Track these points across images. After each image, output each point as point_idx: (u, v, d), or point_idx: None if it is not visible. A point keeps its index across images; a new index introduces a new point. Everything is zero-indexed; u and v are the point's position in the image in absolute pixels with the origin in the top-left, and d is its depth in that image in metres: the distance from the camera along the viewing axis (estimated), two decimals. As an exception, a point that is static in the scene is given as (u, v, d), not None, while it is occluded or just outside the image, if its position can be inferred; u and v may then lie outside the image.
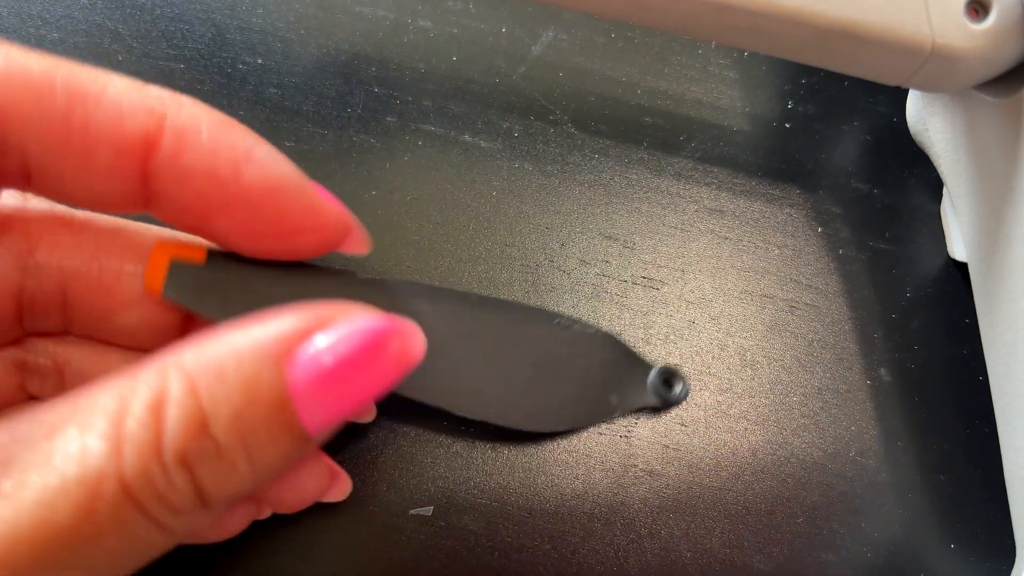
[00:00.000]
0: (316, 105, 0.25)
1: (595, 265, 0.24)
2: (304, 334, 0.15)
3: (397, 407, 0.21)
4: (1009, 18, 0.19)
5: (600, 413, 0.22)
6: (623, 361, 0.22)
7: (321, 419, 0.15)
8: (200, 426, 0.14)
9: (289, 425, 0.15)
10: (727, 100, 0.26)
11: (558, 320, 0.21)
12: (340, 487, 0.20)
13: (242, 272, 0.19)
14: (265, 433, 0.15)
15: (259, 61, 0.25)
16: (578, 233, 0.24)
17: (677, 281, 0.24)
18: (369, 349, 0.16)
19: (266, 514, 0.20)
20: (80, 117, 0.16)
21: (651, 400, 0.22)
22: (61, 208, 0.19)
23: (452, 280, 0.23)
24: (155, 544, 0.15)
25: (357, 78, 0.25)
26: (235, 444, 0.15)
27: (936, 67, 0.20)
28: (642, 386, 0.22)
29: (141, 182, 0.17)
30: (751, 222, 0.25)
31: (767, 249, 0.25)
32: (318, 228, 0.18)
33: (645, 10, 0.20)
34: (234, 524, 0.20)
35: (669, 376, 0.23)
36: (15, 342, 0.19)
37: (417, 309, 0.20)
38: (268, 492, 0.20)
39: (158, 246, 0.19)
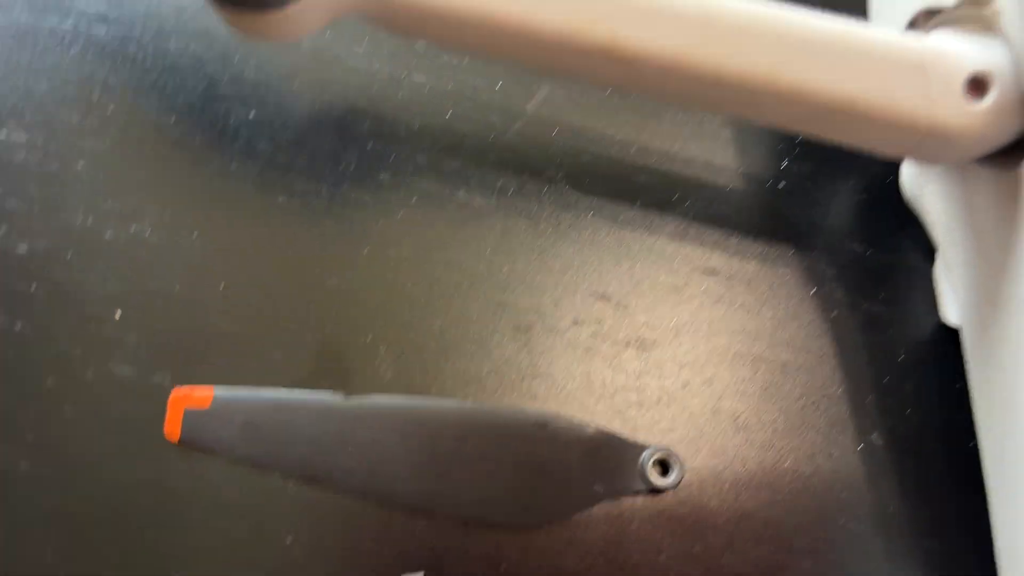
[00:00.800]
0: (309, 160, 0.24)
1: (588, 325, 0.24)
2: None
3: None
4: (1008, 97, 0.19)
5: (585, 501, 0.22)
6: (608, 448, 0.22)
7: None
8: None
9: None
10: (721, 159, 0.26)
11: (536, 420, 0.22)
12: None
13: (245, 408, 0.22)
14: None
15: (252, 114, 0.25)
16: (571, 293, 0.24)
17: (670, 343, 0.24)
18: None
19: None
20: None
21: (638, 485, 0.22)
22: None
23: (446, 339, 0.23)
24: None
25: (351, 133, 0.25)
26: None
27: (934, 144, 0.20)
28: (632, 470, 0.22)
29: None
30: (744, 282, 0.25)
31: (760, 311, 0.25)
32: None
33: (641, 82, 0.20)
34: None
35: (663, 460, 0.22)
36: None
37: (400, 428, 0.22)
38: None
39: (172, 399, 0.22)
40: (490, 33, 0.19)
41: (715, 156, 0.26)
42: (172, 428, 0.22)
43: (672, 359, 0.24)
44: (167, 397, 0.22)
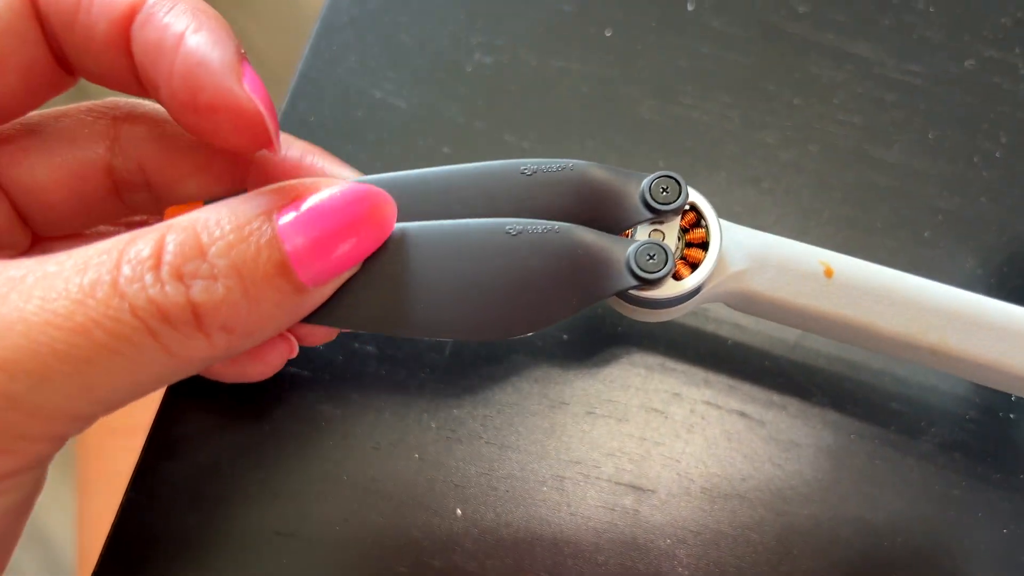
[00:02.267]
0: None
1: (853, 544, 0.28)
2: (293, 198, 0.19)
3: None
4: None
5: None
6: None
7: (313, 268, 0.19)
8: (198, 250, 0.18)
9: (282, 266, 0.18)
10: (961, 391, 0.30)
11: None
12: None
13: None
14: (260, 272, 0.18)
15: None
16: (831, 507, 0.28)
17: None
18: (346, 202, 0.19)
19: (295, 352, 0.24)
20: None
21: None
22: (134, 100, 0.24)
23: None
24: (160, 366, 0.18)
25: (653, 364, 0.29)
26: (229, 271, 0.18)
27: None
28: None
29: (129, 55, 0.21)
30: (982, 505, 0.29)
31: (997, 533, 0.28)
32: (228, 110, 0.20)
33: (950, 367, 0.24)
34: (270, 359, 0.24)
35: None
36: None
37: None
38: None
39: None
40: (831, 327, 0.24)
41: (956, 386, 0.30)
42: None
43: None
44: (503, 586, 0.26)
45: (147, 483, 0.27)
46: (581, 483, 0.28)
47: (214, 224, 0.18)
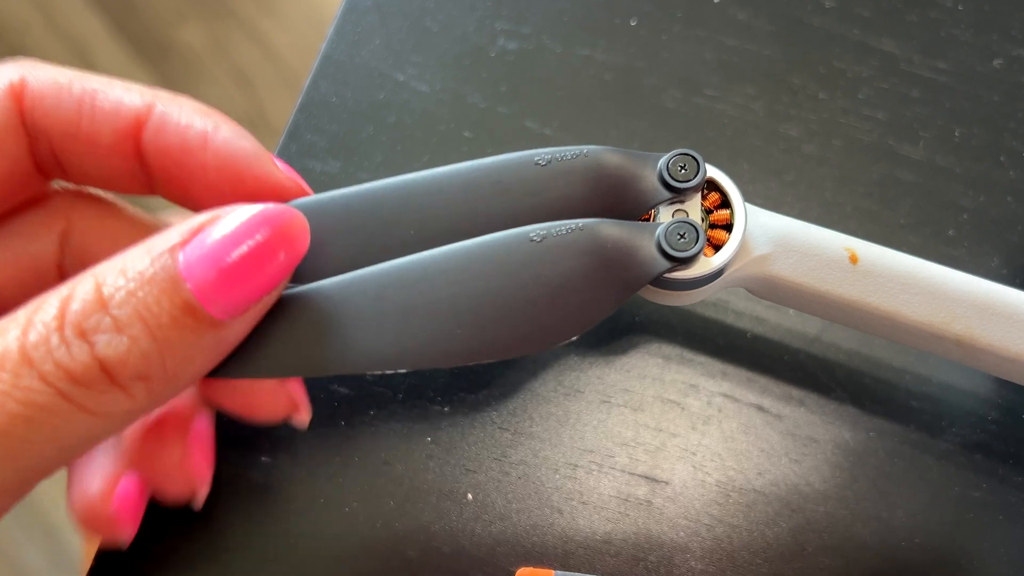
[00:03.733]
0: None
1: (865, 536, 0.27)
2: (195, 231, 0.18)
3: None
4: None
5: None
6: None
7: (223, 301, 0.18)
8: (99, 304, 0.17)
9: (187, 305, 0.17)
10: (983, 391, 0.29)
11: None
12: (302, 415, 0.24)
13: None
14: (165, 316, 0.17)
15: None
16: (848, 503, 0.28)
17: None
18: (248, 229, 0.18)
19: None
20: (88, 107, 0.20)
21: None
22: (94, 191, 0.23)
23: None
24: (83, 427, 0.17)
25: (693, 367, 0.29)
26: (132, 320, 0.17)
27: None
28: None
29: (138, 160, 0.21)
30: (1003, 507, 0.28)
31: (1018, 536, 0.28)
32: (272, 191, 0.21)
33: (975, 361, 0.24)
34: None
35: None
36: None
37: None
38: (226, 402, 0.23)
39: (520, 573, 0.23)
40: (855, 315, 0.23)
41: (979, 387, 0.30)
42: None
43: None
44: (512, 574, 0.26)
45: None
46: (594, 472, 0.27)
47: (116, 272, 0.17)
